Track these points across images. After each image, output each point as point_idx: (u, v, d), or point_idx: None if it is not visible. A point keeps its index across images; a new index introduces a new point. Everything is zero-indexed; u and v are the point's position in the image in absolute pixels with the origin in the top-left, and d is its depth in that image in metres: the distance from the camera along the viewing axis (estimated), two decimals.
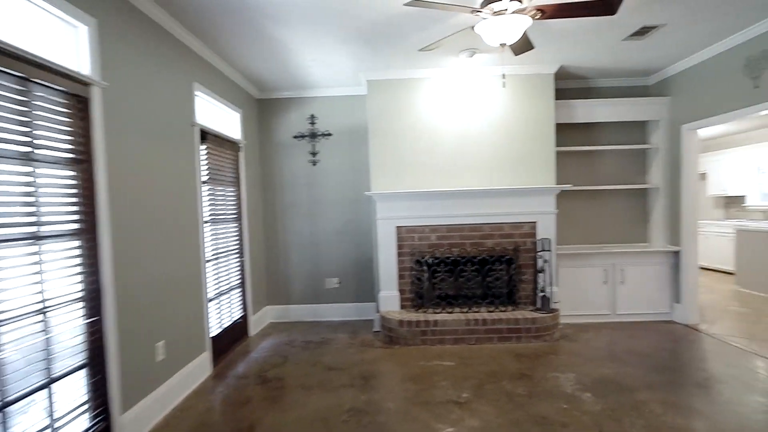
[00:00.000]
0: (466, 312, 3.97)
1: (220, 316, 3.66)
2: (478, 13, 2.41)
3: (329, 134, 4.80)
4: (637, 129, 4.67)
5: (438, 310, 4.03)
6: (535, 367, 3.23)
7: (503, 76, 3.13)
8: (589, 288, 4.38)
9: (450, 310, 4.02)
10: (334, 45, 3.44)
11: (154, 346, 2.61)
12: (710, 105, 3.83)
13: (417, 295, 4.16)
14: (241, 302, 4.12)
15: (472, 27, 2.56)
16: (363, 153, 4.75)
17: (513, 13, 2.36)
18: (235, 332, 3.97)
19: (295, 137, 4.82)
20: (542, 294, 3.99)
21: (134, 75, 2.51)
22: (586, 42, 3.52)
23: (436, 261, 4.14)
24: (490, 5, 2.34)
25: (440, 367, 3.29)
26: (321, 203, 4.84)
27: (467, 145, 4.21)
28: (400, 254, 4.19)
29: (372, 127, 4.23)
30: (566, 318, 4.34)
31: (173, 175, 2.91)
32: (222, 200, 3.77)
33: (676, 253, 4.31)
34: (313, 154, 4.83)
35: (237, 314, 4.02)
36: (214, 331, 3.50)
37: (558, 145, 4.38)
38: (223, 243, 3.78)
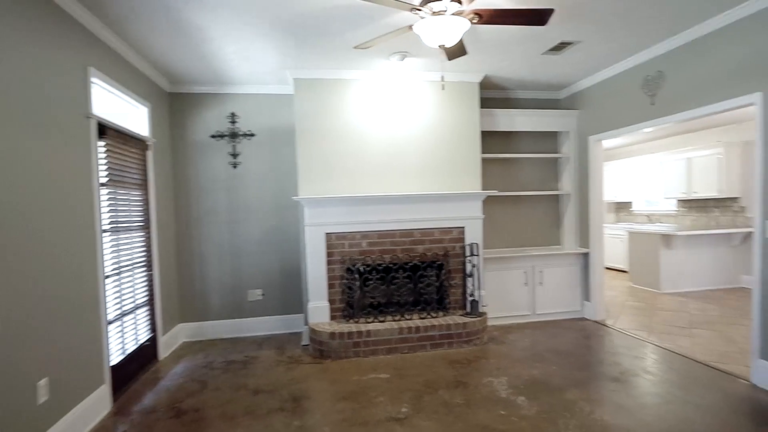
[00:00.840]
0: (399, 320, 3.89)
1: (123, 340, 3.16)
2: (418, 12, 2.34)
3: (252, 135, 4.45)
4: (551, 139, 4.99)
5: (370, 320, 3.90)
6: (469, 373, 3.23)
7: (442, 78, 3.11)
8: (512, 290, 4.56)
9: (382, 319, 3.91)
10: (258, 38, 3.16)
11: (34, 386, 2.13)
12: (614, 118, 4.21)
13: (348, 305, 4.00)
14: (149, 322, 3.61)
15: (410, 26, 2.48)
16: (290, 156, 4.48)
17: (452, 15, 2.33)
18: (142, 357, 3.46)
19: (214, 137, 4.40)
20: (471, 298, 4.05)
21: (5, 49, 2.04)
22: (510, 53, 3.65)
23: (368, 268, 4.01)
24: (429, 4, 2.29)
25: (376, 380, 3.15)
26: (243, 209, 4.46)
27: (397, 149, 4.16)
28: (329, 262, 3.99)
29: (299, 129, 4.00)
30: (492, 320, 4.47)
31: (61, 176, 2.43)
32: (126, 205, 3.28)
33: (586, 255, 4.67)
34: (234, 155, 4.45)
35: (144, 336, 3.51)
36: (116, 358, 3.00)
37: (482, 152, 4.52)
38: (127, 255, 3.28)
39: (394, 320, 3.89)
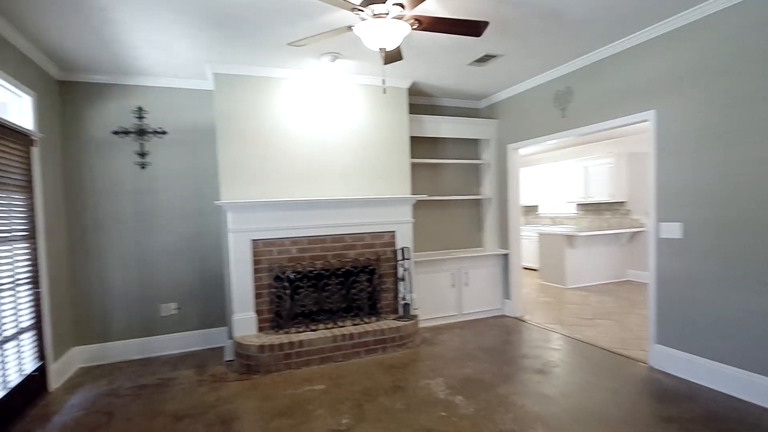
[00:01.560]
0: (332, 328, 3.78)
1: (3, 372, 2.64)
2: (359, 12, 2.28)
3: (163, 132, 4.03)
4: (473, 146, 5.25)
5: (302, 329, 3.73)
6: (406, 377, 3.23)
7: (384, 82, 3.08)
8: (440, 291, 4.69)
9: (314, 328, 3.76)
10: (175, 25, 2.86)
11: None
12: (529, 128, 4.54)
13: (277, 315, 3.78)
14: (35, 348, 3.07)
15: (350, 27, 2.42)
16: (211, 156, 4.14)
17: (393, 18, 2.31)
18: (29, 390, 2.93)
19: (117, 133, 3.91)
20: (404, 302, 4.08)
21: None
22: (439, 61, 3.75)
23: (299, 276, 3.84)
24: (371, 6, 2.24)
25: (312, 392, 3.01)
26: (154, 215, 4.02)
27: (327, 152, 4.05)
28: (256, 270, 3.75)
29: (221, 128, 3.70)
30: (423, 322, 4.55)
31: None
32: (4, 212, 2.75)
33: (506, 256, 4.97)
34: (142, 155, 3.99)
35: (30, 365, 2.97)
36: None
37: (410, 156, 4.59)
38: (8, 271, 2.75)
39: (327, 328, 3.77)
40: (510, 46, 3.45)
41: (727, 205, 2.80)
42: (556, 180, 8.11)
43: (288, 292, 3.79)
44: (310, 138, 3.99)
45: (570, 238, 6.51)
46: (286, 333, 3.68)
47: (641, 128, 4.55)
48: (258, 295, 3.76)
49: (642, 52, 3.28)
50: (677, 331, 3.12)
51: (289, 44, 2.67)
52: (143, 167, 4.00)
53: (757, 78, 2.61)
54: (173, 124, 4.07)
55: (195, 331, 4.14)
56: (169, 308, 4.07)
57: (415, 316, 4.07)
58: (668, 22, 3.03)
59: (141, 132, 3.99)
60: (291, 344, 3.51)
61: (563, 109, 4.08)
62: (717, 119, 2.83)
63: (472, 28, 2.45)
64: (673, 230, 3.11)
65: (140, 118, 3.98)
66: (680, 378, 3.04)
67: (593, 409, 2.63)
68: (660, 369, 3.22)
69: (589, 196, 7.36)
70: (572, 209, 8.01)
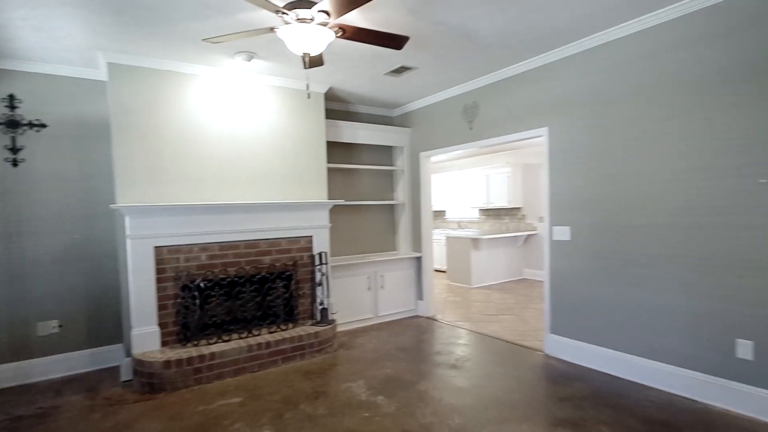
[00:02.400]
0: (246, 337, 3.61)
1: None
2: (282, 15, 2.25)
3: (42, 125, 3.53)
4: (388, 152, 5.41)
5: (213, 340, 3.51)
6: (327, 382, 3.22)
7: (308, 87, 3.03)
8: (357, 295, 4.74)
9: (227, 338, 3.56)
10: (65, 7, 2.54)
11: None
12: (440, 138, 4.82)
13: (184, 327, 3.51)
14: None
15: (272, 29, 2.37)
16: (104, 154, 3.71)
17: (318, 24, 2.31)
18: None
19: None
20: (321, 307, 4.05)
21: None
22: (358, 69, 3.82)
23: (209, 284, 3.61)
24: (296, 10, 2.23)
25: (227, 407, 2.84)
26: (30, 219, 3.48)
27: (240, 155, 3.88)
28: (160, 280, 3.44)
29: (117, 123, 3.35)
30: (341, 326, 4.55)
31: None
32: None
33: (419, 259, 5.20)
34: (14, 150, 3.45)
35: None
36: None
37: (327, 161, 4.59)
38: None
39: (241, 338, 3.59)
40: (425, 60, 3.65)
41: (600, 211, 3.28)
42: (461, 187, 8.69)
43: (197, 302, 3.54)
44: (221, 139, 3.78)
45: (475, 241, 7.01)
46: (195, 346, 3.43)
47: (535, 141, 5.10)
48: (162, 307, 3.45)
49: (541, 75, 3.68)
50: (567, 322, 3.55)
51: (204, 40, 2.53)
52: (15, 164, 3.45)
53: (630, 105, 3.10)
54: (56, 116, 3.58)
55: (82, 351, 3.66)
56: (49, 327, 3.55)
57: (333, 321, 4.06)
58: (563, 50, 3.45)
59: (13, 124, 3.44)
60: (201, 357, 3.28)
61: (470, 122, 4.41)
62: (597, 138, 3.30)
63: (394, 41, 2.55)
64: (563, 233, 3.54)
65: (12, 107, 3.44)
66: (571, 362, 3.46)
67: (501, 396, 2.87)
68: (554, 356, 3.63)
69: (490, 202, 8.01)
70: (476, 214, 8.64)
